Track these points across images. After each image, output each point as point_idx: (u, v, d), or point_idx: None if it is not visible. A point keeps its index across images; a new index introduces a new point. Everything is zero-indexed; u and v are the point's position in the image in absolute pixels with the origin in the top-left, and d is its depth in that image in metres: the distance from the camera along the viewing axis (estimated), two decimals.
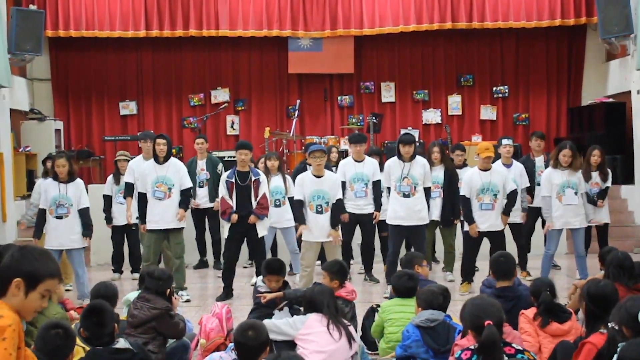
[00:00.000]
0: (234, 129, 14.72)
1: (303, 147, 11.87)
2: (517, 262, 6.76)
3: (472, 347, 4.13)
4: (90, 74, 14.51)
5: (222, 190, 8.54)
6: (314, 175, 8.22)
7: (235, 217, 8.37)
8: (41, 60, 13.75)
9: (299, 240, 8.66)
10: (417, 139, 14.05)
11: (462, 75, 14.81)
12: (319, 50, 14.29)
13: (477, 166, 8.82)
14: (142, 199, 8.56)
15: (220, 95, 14.66)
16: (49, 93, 14.40)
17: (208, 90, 14.71)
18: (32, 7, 13.07)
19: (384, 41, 14.48)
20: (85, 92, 14.52)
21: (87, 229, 8.45)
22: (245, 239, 8.67)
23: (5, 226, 11.46)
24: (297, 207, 8.26)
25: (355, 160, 9.33)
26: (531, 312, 5.33)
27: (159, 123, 14.59)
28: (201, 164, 10.54)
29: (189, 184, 8.75)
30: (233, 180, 8.45)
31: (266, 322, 4.96)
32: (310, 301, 5.21)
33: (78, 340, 4.86)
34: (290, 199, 9.29)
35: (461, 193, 8.83)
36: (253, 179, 8.52)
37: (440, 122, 14.71)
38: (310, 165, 8.57)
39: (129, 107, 14.62)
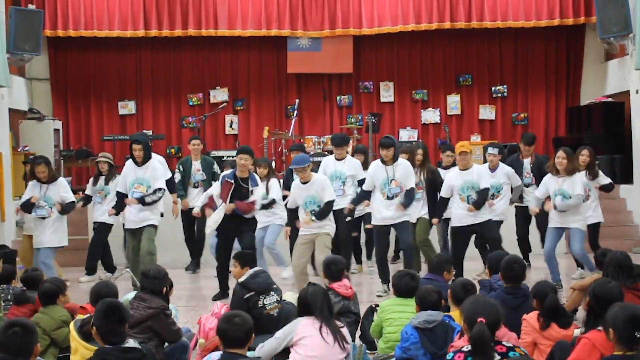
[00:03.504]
0: (232, 129, 14.72)
1: (289, 148, 12.02)
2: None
3: (465, 348, 4.13)
4: (89, 74, 14.50)
5: (215, 189, 8.60)
6: (302, 182, 8.40)
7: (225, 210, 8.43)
8: (40, 60, 13.73)
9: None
10: (416, 139, 14.16)
11: (460, 75, 14.81)
12: (317, 50, 14.28)
13: (458, 166, 8.93)
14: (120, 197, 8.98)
15: (219, 94, 14.65)
16: (47, 93, 14.38)
17: (207, 89, 14.70)
18: (31, 6, 13.05)
19: (383, 41, 14.48)
20: (84, 91, 14.50)
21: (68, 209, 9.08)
22: (238, 240, 8.68)
23: (4, 226, 11.45)
24: (289, 215, 8.59)
25: (336, 159, 9.47)
26: (533, 316, 5.26)
27: (157, 123, 14.59)
28: (196, 164, 10.58)
29: (161, 185, 8.97)
30: (232, 181, 8.45)
31: (259, 352, 5.08)
32: (304, 303, 5.20)
33: (78, 338, 4.87)
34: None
35: (441, 194, 8.94)
36: (251, 188, 8.55)
37: (439, 121, 14.71)
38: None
39: (127, 107, 14.60)
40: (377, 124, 13.36)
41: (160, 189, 8.96)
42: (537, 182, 9.52)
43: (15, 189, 11.99)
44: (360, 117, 14.62)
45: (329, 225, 8.46)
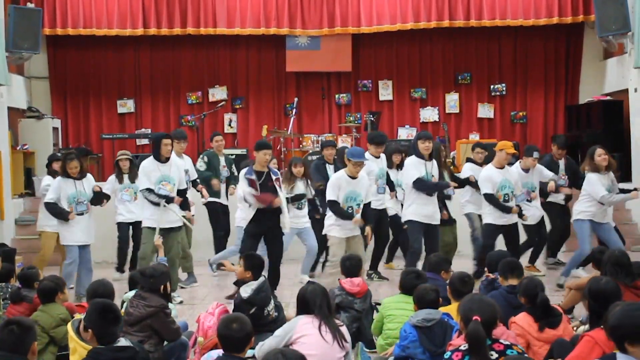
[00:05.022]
0: (231, 127, 14.72)
1: (319, 144, 12.06)
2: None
3: (463, 347, 4.13)
4: (88, 72, 14.50)
5: (246, 188, 8.30)
6: (350, 177, 8.12)
7: (278, 200, 8.19)
8: (39, 58, 13.73)
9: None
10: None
11: (459, 73, 14.81)
12: (316, 48, 14.28)
13: (494, 164, 9.00)
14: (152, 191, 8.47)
15: (218, 93, 14.66)
16: (46, 91, 14.38)
17: (206, 88, 14.70)
18: (30, 5, 13.04)
19: (382, 39, 14.49)
20: (83, 90, 14.51)
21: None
22: (264, 238, 8.40)
23: (4, 224, 11.45)
24: (337, 208, 8.06)
25: (375, 157, 9.39)
26: (522, 318, 5.21)
27: (156, 121, 14.59)
28: (221, 160, 10.53)
29: (185, 185, 8.85)
30: (254, 177, 8.22)
31: (259, 351, 5.08)
32: (303, 301, 5.21)
33: (77, 338, 4.88)
34: (312, 200, 9.45)
35: (486, 191, 8.89)
36: (274, 178, 8.31)
37: (437, 120, 14.71)
38: (327, 161, 9.37)
39: (126, 105, 14.61)
40: (376, 123, 13.37)
41: (187, 189, 8.92)
42: (571, 184, 9.89)
43: (14, 188, 12.01)
44: (359, 116, 14.62)
45: None
